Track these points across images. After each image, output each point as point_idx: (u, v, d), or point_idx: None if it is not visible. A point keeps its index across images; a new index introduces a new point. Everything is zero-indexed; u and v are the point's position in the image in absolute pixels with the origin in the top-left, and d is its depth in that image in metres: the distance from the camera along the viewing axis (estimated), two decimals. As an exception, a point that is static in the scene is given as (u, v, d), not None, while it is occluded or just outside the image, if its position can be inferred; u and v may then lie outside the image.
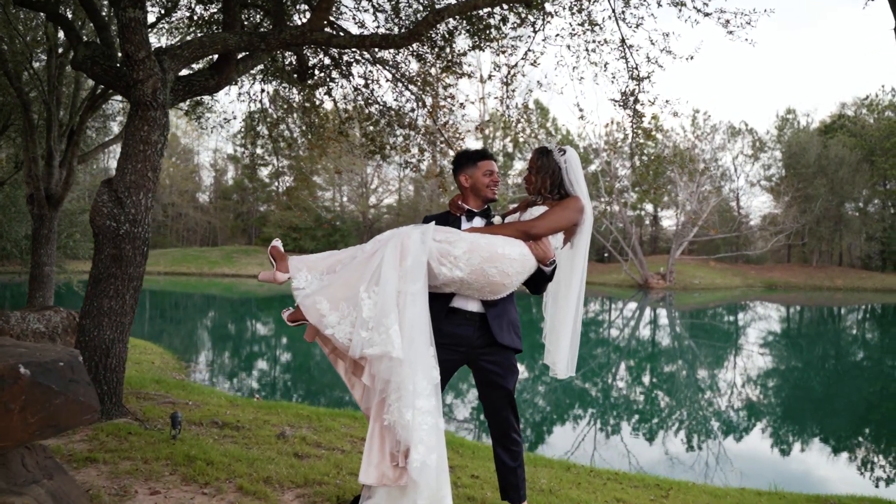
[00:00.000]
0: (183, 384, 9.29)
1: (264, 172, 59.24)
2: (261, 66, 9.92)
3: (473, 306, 3.59)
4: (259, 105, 10.90)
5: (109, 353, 5.82)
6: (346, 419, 7.43)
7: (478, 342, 3.59)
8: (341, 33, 8.14)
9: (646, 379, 17.32)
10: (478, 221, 3.74)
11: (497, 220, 3.73)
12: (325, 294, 3.31)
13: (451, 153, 10.71)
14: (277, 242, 3.55)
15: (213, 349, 19.64)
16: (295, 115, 10.80)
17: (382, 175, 63.16)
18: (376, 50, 9.44)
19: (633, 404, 13.98)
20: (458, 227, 3.66)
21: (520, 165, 58.00)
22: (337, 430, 6.61)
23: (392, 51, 9.47)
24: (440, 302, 3.55)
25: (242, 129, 12.18)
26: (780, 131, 56.89)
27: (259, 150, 12.57)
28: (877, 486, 9.15)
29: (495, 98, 9.56)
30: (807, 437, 11.73)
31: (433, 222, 3.59)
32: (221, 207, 64.40)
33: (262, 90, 10.29)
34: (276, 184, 61.35)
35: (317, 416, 7.40)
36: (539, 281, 3.58)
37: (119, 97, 13.24)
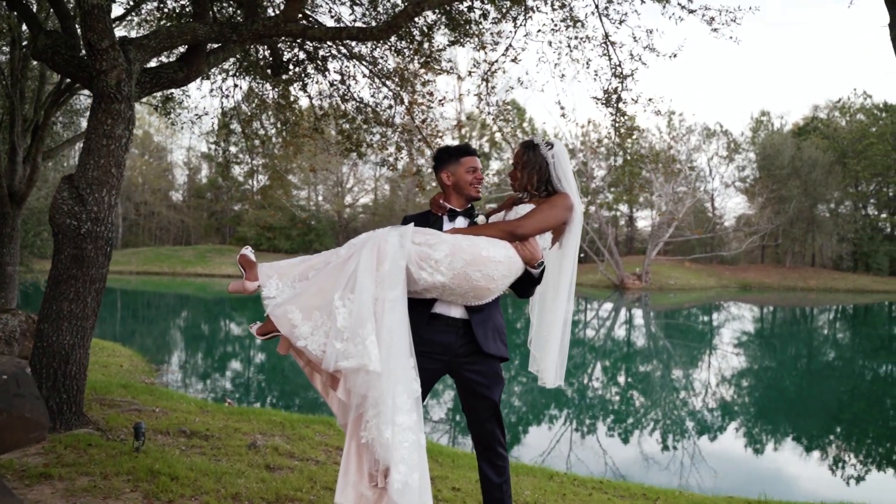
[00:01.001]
0: (151, 389, 8.96)
1: (238, 171, 58.54)
2: (233, 61, 9.62)
3: (456, 312, 3.34)
4: (232, 101, 10.59)
5: (69, 359, 5.50)
6: (320, 426, 7.17)
7: (461, 350, 3.35)
8: (316, 26, 7.85)
9: (621, 380, 17.26)
10: (460, 221, 3.50)
11: (481, 219, 3.49)
12: (296, 303, 3.07)
13: (429, 151, 10.48)
14: (247, 251, 3.30)
15: (185, 351, 19.22)
16: (269, 111, 10.48)
17: (358, 174, 62.73)
18: (353, 44, 9.18)
19: (610, 406, 13.86)
20: (440, 228, 3.41)
21: (496, 165, 57.87)
22: (311, 439, 6.35)
23: (369, 46, 9.22)
24: (420, 308, 3.30)
25: (215, 127, 11.80)
26: (755, 133, 57.37)
27: (233, 149, 12.16)
28: (850, 486, 9.11)
29: (475, 95, 9.33)
30: (784, 439, 11.70)
31: (412, 224, 3.34)
32: (195, 206, 63.56)
33: (236, 85, 9.97)
34: (251, 182, 60.67)
35: (290, 422, 7.12)
36: (526, 284, 3.34)
37: (88, 92, 12.82)
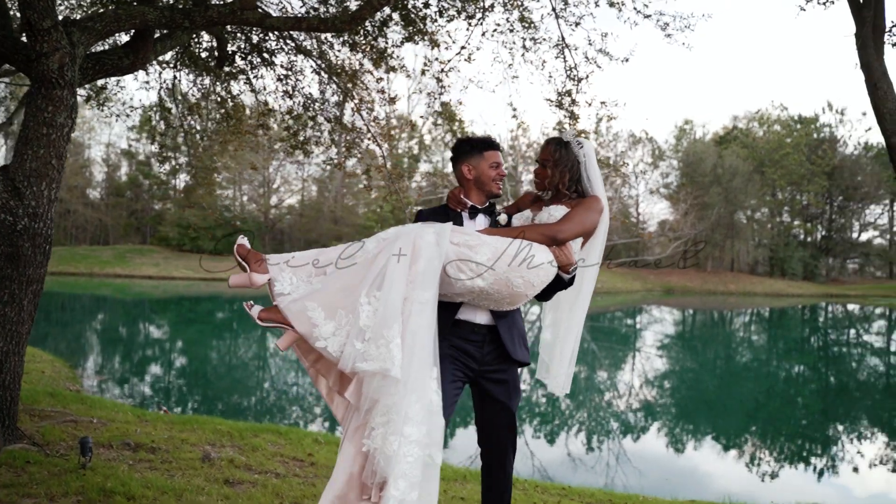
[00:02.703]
0: (81, 397, 8.40)
1: (161, 169, 56.68)
2: (172, 53, 9.15)
3: (482, 318, 3.14)
4: (171, 94, 10.09)
5: (2, 367, 5.03)
6: (270, 435, 6.82)
7: (487, 358, 3.16)
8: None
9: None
10: (481, 220, 3.29)
11: (503, 218, 3.29)
12: (318, 299, 2.82)
13: (379, 151, 10.23)
14: (244, 240, 3.01)
15: (109, 356, 18.29)
16: (210, 105, 10.02)
17: (285, 174, 61.63)
18: (301, 38, 8.86)
19: (537, 409, 13.93)
20: (461, 226, 3.20)
21: (424, 167, 57.63)
22: (265, 449, 6.02)
23: (321, 40, 8.92)
24: (445, 312, 3.08)
25: (151, 119, 11.22)
26: (678, 141, 59.11)
27: (169, 142, 11.57)
28: (766, 482, 9.40)
29: (429, 94, 9.13)
30: (705, 438, 12.02)
31: (446, 223, 3.06)
32: (114, 205, 61.07)
33: (175, 77, 9.48)
34: (174, 181, 58.83)
35: (238, 432, 6.75)
36: (553, 289, 3.17)
37: (7, 78, 12.03)
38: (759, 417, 13.88)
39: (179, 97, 10.00)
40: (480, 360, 3.15)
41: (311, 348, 2.89)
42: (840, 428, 13.56)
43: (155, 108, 10.22)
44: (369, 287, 2.79)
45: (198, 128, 10.67)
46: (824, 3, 7.52)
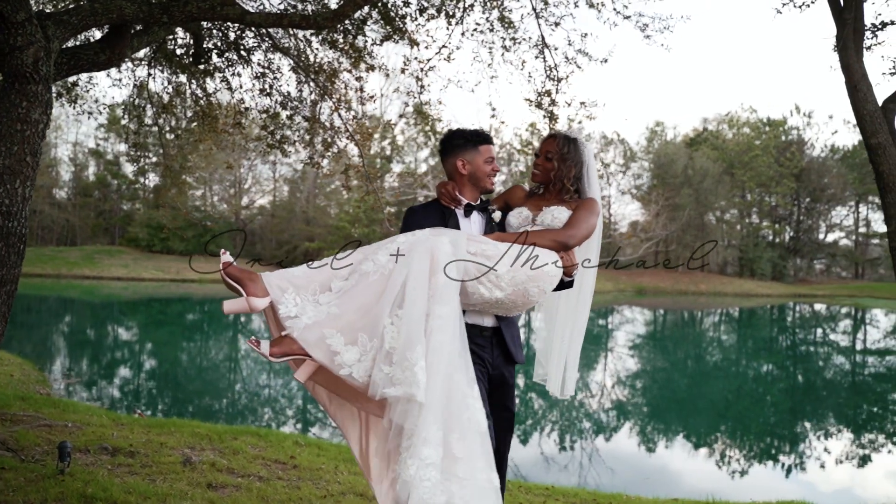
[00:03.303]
0: (53, 401, 8.20)
1: (135, 166, 55.83)
2: (145, 51, 8.99)
3: (489, 321, 3.09)
4: (139, 93, 9.92)
5: (-25, 370, 4.88)
6: (250, 438, 6.71)
7: (496, 361, 3.11)
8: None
9: (520, 383, 17.48)
10: (476, 218, 3.20)
11: (497, 216, 3.21)
12: (335, 324, 2.62)
13: (356, 150, 10.15)
14: (227, 256, 2.73)
15: (79, 358, 17.95)
16: (184, 103, 9.85)
17: (256, 174, 61.09)
18: (279, 36, 8.76)
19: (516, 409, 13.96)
20: (456, 224, 3.13)
21: (397, 168, 57.46)
22: (246, 452, 5.92)
23: (295, 39, 8.82)
24: None
25: (123, 117, 11.00)
26: (650, 143, 59.64)
27: (141, 140, 11.35)
28: (735, 479, 9.53)
29: (408, 93, 9.07)
30: (676, 437, 12.15)
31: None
32: (81, 205, 59.99)
33: (150, 74, 9.30)
34: (144, 181, 58.04)
35: (217, 435, 6.63)
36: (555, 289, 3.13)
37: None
38: (730, 416, 14.08)
39: (154, 95, 9.82)
40: (491, 363, 3.10)
41: (332, 378, 2.75)
42: (808, 425, 13.81)
43: (128, 106, 10.03)
44: (391, 306, 2.63)
45: (168, 127, 10.48)
46: (800, 6, 7.62)
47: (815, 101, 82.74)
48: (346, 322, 2.63)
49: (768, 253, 55.58)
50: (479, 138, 3.21)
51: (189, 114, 10.24)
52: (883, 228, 58.15)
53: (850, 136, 73.15)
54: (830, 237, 60.47)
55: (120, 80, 10.03)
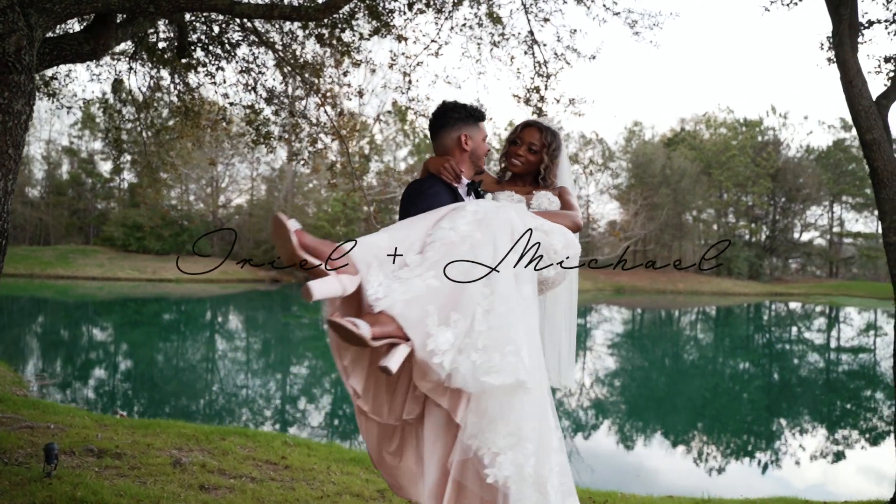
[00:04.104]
0: (32, 402, 7.99)
1: (121, 161, 54.91)
2: (126, 44, 8.81)
3: None
4: (115, 90, 9.73)
5: (-45, 370, 4.70)
6: (238, 438, 6.57)
7: None
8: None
9: None
10: (472, 200, 3.00)
11: (489, 196, 3.01)
12: (435, 300, 2.20)
13: (337, 146, 10.04)
14: (295, 223, 2.19)
15: (54, 359, 17.61)
16: (167, 98, 9.67)
17: (233, 174, 60.53)
18: (263, 30, 8.62)
19: None
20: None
21: (376, 167, 57.18)
22: (235, 453, 5.79)
23: (282, 34, 8.69)
24: None
25: (104, 111, 10.75)
26: (628, 142, 59.94)
27: (125, 136, 11.07)
28: (713, 476, 9.58)
29: (396, 89, 8.95)
30: (654, 434, 12.22)
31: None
32: (55, 204, 58.99)
33: (130, 69, 9.11)
34: (119, 180, 57.23)
35: (204, 435, 6.49)
36: None
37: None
38: (707, 414, 14.24)
39: (133, 91, 9.63)
40: None
41: (349, 347, 2.29)
42: (784, 422, 13.97)
43: (107, 101, 9.82)
44: (483, 284, 2.28)
45: (146, 123, 10.28)
46: (788, 4, 7.64)
47: (790, 102, 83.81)
48: (443, 298, 2.22)
49: (745, 252, 56.10)
50: (480, 115, 3.01)
51: (168, 111, 10.07)
52: (856, 228, 58.98)
53: (824, 137, 74.33)
54: (805, 236, 61.24)
55: (99, 74, 9.84)
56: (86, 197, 58.96)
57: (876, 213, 58.69)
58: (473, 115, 2.97)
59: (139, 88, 9.57)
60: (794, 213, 59.75)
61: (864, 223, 59.49)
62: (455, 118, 2.93)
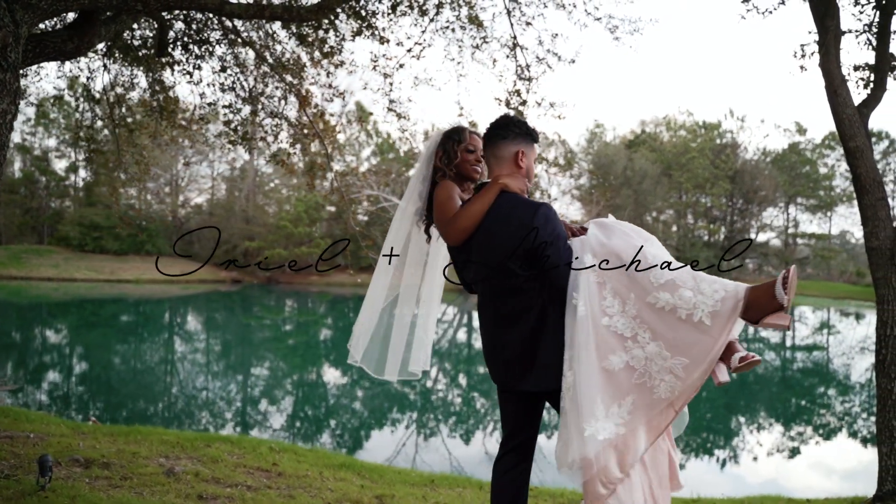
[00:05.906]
0: (4, 410, 7.74)
1: (60, 165, 53.72)
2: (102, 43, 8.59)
3: None
4: (82, 91, 9.51)
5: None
6: (224, 445, 6.46)
7: None
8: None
9: (463, 382, 17.69)
10: None
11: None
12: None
13: (318, 146, 9.94)
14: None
15: (15, 364, 17.10)
16: (142, 96, 9.47)
17: (193, 173, 59.55)
18: (243, 29, 8.50)
19: (453, 408, 14.09)
20: None
21: (337, 167, 56.68)
22: (225, 461, 5.68)
23: (263, 34, 8.58)
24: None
25: (77, 113, 10.47)
26: (590, 144, 60.51)
27: (97, 136, 10.79)
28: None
29: (379, 90, 8.89)
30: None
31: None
32: (6, 202, 57.29)
33: (105, 66, 8.89)
34: (73, 178, 55.94)
35: (189, 442, 6.36)
36: None
37: None
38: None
39: (109, 88, 9.39)
40: None
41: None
42: (742, 419, 14.31)
43: (84, 96, 9.57)
44: None
45: (115, 121, 10.04)
46: (763, 13, 7.77)
47: (747, 106, 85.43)
48: None
49: (704, 252, 57.07)
50: (536, 136, 3.10)
51: (143, 110, 9.85)
52: (811, 229, 60.50)
53: (780, 140, 75.97)
54: (762, 237, 62.49)
55: (70, 70, 9.60)
56: (39, 195, 57.45)
57: (829, 214, 60.39)
58: (531, 135, 3.08)
59: (112, 83, 9.35)
60: (752, 215, 60.97)
61: (818, 224, 61.05)
62: (516, 133, 3.02)
